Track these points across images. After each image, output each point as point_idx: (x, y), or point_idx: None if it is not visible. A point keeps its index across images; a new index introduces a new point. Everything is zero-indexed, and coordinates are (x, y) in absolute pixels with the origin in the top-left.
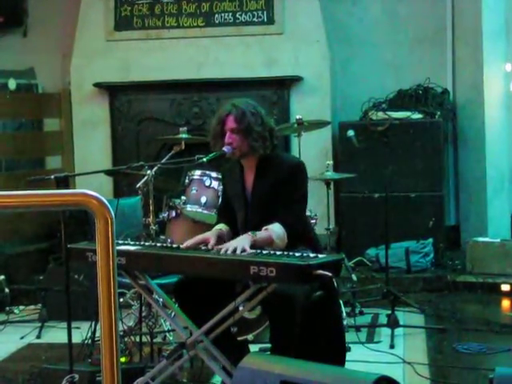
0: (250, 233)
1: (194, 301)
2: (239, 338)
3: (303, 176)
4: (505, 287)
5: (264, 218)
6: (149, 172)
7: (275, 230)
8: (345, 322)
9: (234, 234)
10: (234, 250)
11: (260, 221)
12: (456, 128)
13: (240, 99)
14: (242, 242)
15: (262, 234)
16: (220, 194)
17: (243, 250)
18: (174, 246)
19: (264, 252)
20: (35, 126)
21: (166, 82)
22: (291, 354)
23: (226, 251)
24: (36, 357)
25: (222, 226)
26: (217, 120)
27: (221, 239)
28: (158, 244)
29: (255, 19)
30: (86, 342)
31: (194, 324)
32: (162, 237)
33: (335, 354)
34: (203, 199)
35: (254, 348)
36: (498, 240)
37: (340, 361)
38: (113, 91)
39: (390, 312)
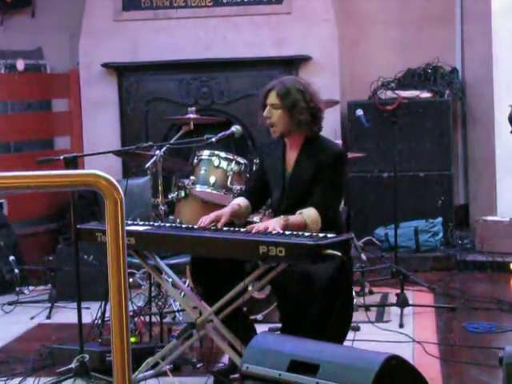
0: (282, 216)
1: (205, 280)
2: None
3: (345, 165)
4: None
5: (299, 200)
6: (158, 152)
7: (309, 213)
8: (354, 302)
9: (254, 211)
10: (265, 230)
11: (294, 201)
12: (465, 107)
13: (290, 77)
14: (274, 224)
15: (295, 217)
16: (229, 173)
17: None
18: (184, 225)
19: (273, 232)
20: (44, 106)
21: (174, 62)
22: (305, 333)
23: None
24: (46, 337)
25: (240, 201)
26: (262, 93)
27: (236, 217)
28: (167, 224)
29: None
30: (95, 322)
31: (206, 303)
32: (171, 217)
33: (339, 331)
34: (212, 179)
35: (263, 328)
36: (507, 219)
37: (342, 338)
38: (121, 71)
39: (399, 291)
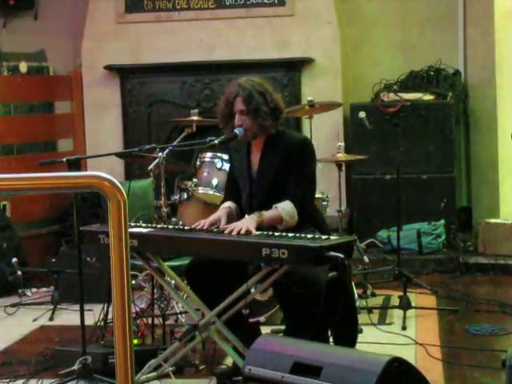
0: (256, 213)
1: (206, 283)
2: (251, 320)
3: (310, 152)
4: None
5: (268, 196)
6: (160, 154)
7: (284, 207)
8: (357, 304)
9: (242, 210)
10: (239, 232)
11: (264, 198)
12: (467, 109)
13: (246, 78)
14: (247, 224)
15: (269, 212)
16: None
17: (248, 232)
18: (186, 227)
19: (276, 234)
20: (46, 108)
21: (176, 65)
22: (307, 336)
23: (231, 232)
24: (49, 339)
25: (229, 204)
26: (225, 102)
27: (230, 219)
28: (170, 226)
29: (266, 1)
30: (98, 324)
31: (206, 306)
32: (174, 219)
33: (347, 334)
34: (215, 181)
35: (265, 330)
36: (510, 221)
37: (352, 342)
38: (124, 74)
39: (401, 294)
